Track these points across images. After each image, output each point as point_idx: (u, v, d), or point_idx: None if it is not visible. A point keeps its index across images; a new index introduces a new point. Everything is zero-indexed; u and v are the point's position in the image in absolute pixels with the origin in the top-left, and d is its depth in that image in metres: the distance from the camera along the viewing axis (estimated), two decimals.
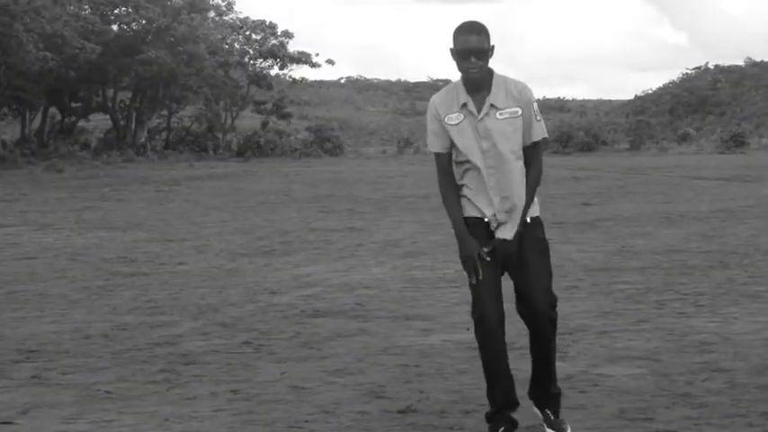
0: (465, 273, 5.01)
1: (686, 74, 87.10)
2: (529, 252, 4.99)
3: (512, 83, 5.01)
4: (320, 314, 8.75)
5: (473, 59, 4.89)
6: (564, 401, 5.31)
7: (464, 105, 4.97)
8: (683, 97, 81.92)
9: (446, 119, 4.99)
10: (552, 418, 5.13)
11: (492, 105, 4.95)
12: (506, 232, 4.98)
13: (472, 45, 4.88)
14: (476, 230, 5.00)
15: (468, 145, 4.97)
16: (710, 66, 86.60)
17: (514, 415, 5.10)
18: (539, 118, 5.07)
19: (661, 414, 5.48)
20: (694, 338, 7.39)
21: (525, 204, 5.01)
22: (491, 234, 5.00)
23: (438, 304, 9.12)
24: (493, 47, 4.95)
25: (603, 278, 10.41)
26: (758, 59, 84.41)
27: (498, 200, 4.97)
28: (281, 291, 10.08)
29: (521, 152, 5.00)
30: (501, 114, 4.95)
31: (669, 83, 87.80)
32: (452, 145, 5.03)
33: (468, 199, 5.04)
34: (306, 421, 5.48)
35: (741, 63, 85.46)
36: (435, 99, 5.07)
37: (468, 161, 5.00)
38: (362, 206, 21.04)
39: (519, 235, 4.97)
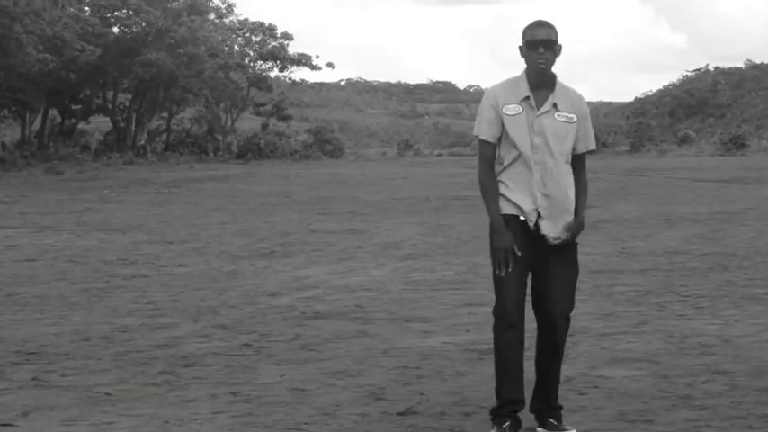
0: (494, 264, 5.03)
1: (686, 76, 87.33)
2: (556, 257, 5.06)
3: (571, 91, 5.15)
4: (320, 316, 8.74)
5: (541, 50, 5.01)
6: (564, 403, 5.31)
7: (526, 98, 5.05)
8: (683, 99, 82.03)
9: (504, 108, 5.05)
10: (555, 423, 5.14)
11: (554, 105, 5.05)
12: (550, 228, 5.02)
13: (541, 36, 5.02)
14: (510, 227, 5.02)
15: (521, 137, 5.02)
16: (710, 68, 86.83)
17: (519, 414, 5.10)
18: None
19: (661, 416, 5.48)
20: (694, 340, 7.39)
21: (580, 211, 5.10)
22: (526, 232, 5.02)
23: (438, 306, 9.12)
24: (560, 45, 5.08)
25: (604, 280, 10.41)
26: (758, 61, 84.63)
27: (540, 195, 5.02)
28: (281, 293, 10.07)
29: (569, 157, 5.09)
30: (559, 116, 5.06)
31: (669, 85, 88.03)
32: (501, 137, 5.07)
33: (505, 197, 5.07)
34: (306, 423, 5.48)
35: (741, 65, 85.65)
36: (495, 88, 5.14)
37: (515, 155, 5.04)
38: (362, 208, 21.04)
39: (574, 232, 5.06)
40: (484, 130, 5.09)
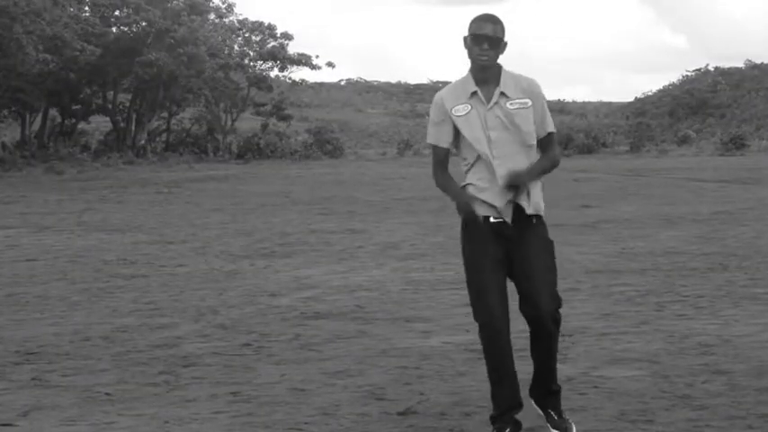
0: (467, 261, 4.99)
1: (686, 76, 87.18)
2: (534, 253, 4.99)
3: (520, 77, 5.06)
4: (320, 316, 8.75)
5: (485, 45, 4.94)
6: (564, 403, 5.31)
7: (474, 94, 5.00)
8: (682, 99, 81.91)
9: (453, 110, 5.00)
10: (556, 418, 5.13)
11: (502, 93, 4.99)
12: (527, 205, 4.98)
13: (487, 31, 4.93)
14: (482, 230, 4.97)
15: (476, 135, 4.97)
16: (710, 68, 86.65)
17: (518, 416, 5.10)
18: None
19: (661, 416, 5.48)
20: (694, 340, 7.39)
21: (536, 171, 4.98)
22: (499, 234, 4.96)
23: (438, 306, 9.12)
24: (506, 43, 5.01)
25: (603, 280, 10.41)
26: (758, 61, 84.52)
27: (508, 189, 4.95)
28: (280, 293, 10.08)
29: (532, 143, 5.02)
30: (511, 104, 4.98)
31: (669, 85, 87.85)
32: (456, 139, 5.03)
33: (474, 198, 5.01)
34: (306, 423, 5.48)
35: (741, 65, 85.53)
36: (442, 92, 5.09)
37: (476, 155, 4.99)
38: (362, 208, 21.04)
39: (532, 175, 4.97)
40: (431, 134, 5.10)
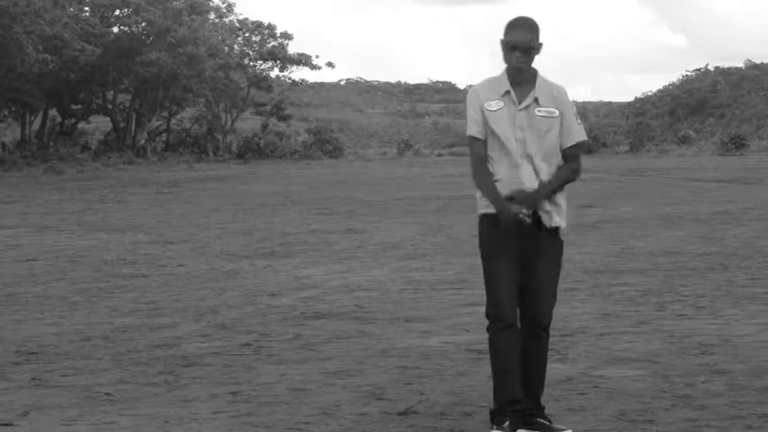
0: (485, 262, 5.07)
1: (686, 76, 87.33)
2: (547, 260, 5.07)
3: (553, 85, 5.14)
4: (320, 316, 8.75)
5: (518, 54, 5.02)
6: (564, 403, 5.32)
7: (507, 93, 5.06)
8: (682, 99, 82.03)
9: (486, 105, 5.06)
10: (548, 423, 5.12)
11: (536, 99, 5.06)
12: (548, 219, 5.05)
13: (518, 40, 5.01)
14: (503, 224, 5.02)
15: (505, 132, 5.03)
16: (710, 68, 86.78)
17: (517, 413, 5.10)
18: (579, 121, 5.20)
19: (661, 416, 5.48)
20: (694, 340, 7.39)
21: (555, 182, 5.04)
22: (517, 230, 5.00)
23: (438, 306, 9.12)
24: (541, 45, 5.08)
25: (604, 280, 10.41)
26: (758, 61, 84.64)
27: (530, 189, 5.02)
28: (280, 293, 10.08)
29: (555, 152, 5.08)
30: (540, 111, 5.06)
31: (669, 85, 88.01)
32: (488, 134, 5.07)
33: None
34: (306, 423, 5.48)
35: (741, 65, 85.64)
36: (476, 86, 5.18)
37: (503, 152, 5.04)
38: (362, 208, 21.04)
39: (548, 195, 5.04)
40: (471, 127, 5.13)
